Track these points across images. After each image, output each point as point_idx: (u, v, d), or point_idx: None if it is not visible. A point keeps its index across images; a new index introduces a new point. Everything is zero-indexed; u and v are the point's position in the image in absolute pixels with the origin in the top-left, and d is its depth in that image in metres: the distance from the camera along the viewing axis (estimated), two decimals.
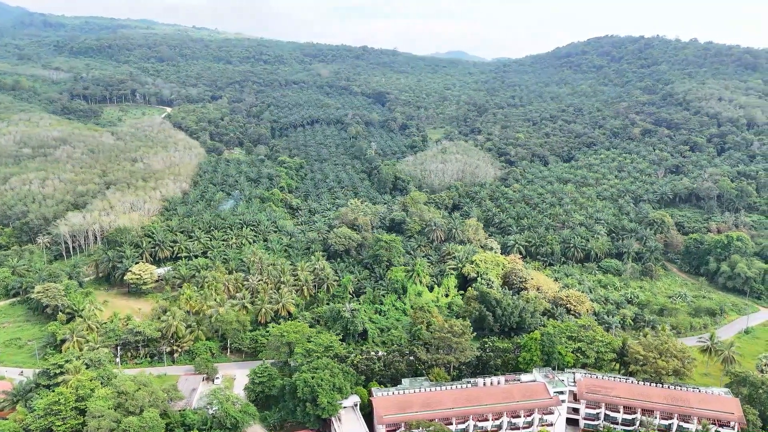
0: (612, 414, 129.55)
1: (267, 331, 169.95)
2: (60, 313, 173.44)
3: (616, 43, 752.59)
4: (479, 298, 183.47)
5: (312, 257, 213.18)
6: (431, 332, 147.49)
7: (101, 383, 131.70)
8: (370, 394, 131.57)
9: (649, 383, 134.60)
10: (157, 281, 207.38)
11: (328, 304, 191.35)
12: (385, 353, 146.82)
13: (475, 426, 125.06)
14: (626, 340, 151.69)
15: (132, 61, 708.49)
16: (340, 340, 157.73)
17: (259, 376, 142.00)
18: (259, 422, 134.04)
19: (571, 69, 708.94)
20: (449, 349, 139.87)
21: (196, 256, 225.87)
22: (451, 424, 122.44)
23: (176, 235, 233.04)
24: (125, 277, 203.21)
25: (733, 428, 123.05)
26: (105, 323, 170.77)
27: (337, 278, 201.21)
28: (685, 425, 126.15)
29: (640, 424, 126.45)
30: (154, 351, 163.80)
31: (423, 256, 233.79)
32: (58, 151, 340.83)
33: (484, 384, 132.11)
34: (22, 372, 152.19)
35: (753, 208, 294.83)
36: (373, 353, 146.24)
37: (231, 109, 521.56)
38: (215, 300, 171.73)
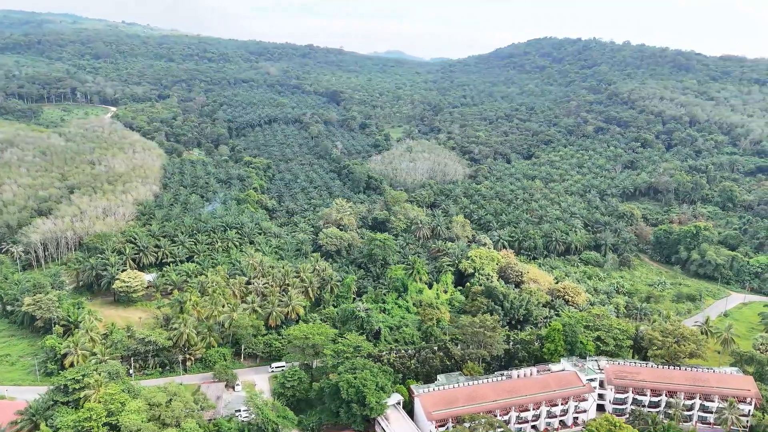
0: (639, 397, 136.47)
1: (279, 335, 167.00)
2: (56, 325, 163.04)
3: (555, 45, 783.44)
4: (485, 293, 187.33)
5: (311, 258, 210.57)
6: (462, 328, 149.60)
7: (129, 396, 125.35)
8: (409, 391, 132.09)
9: (666, 367, 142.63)
10: (146, 288, 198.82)
11: (333, 305, 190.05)
12: (415, 350, 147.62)
13: (517, 417, 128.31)
14: (638, 326, 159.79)
15: (65, 58, 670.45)
16: None
17: (289, 380, 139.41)
18: (295, 426, 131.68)
19: (515, 69, 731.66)
20: (481, 344, 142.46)
21: (182, 261, 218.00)
22: (495, 415, 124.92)
23: (159, 240, 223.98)
24: (113, 285, 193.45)
25: (750, 404, 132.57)
26: (106, 334, 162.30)
27: (339, 279, 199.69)
28: (706, 404, 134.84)
29: (668, 406, 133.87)
30: (165, 360, 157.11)
31: (413, 254, 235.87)
32: (7, 154, 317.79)
33: (518, 376, 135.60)
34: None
35: (706, 199, 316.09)
36: (402, 351, 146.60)
37: (183, 108, 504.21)
38: (229, 305, 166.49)
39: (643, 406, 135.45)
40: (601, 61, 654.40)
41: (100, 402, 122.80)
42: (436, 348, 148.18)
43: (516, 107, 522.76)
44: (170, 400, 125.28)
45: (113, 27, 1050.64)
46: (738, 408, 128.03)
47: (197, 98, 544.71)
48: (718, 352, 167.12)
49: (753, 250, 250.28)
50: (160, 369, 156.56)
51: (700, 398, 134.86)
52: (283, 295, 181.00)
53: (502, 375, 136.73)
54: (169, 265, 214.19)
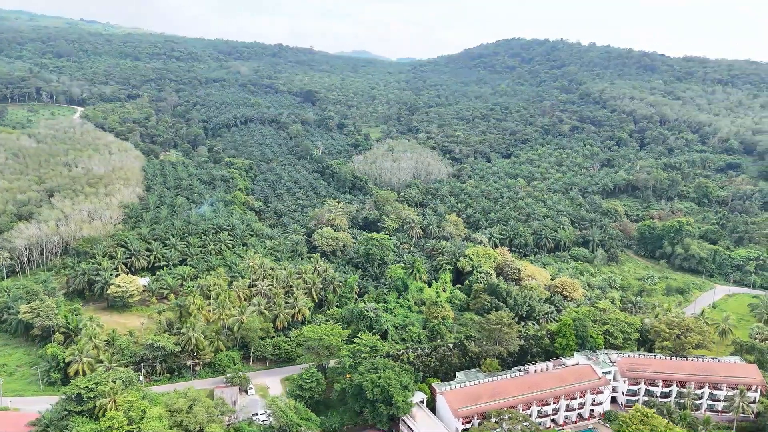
0: (651, 389, 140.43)
1: (287, 337, 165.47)
2: (56, 333, 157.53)
3: (524, 45, 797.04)
4: (488, 290, 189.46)
5: (313, 259, 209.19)
6: (479, 325, 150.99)
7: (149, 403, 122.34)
8: (431, 389, 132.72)
9: (674, 358, 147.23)
10: (140, 293, 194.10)
11: (337, 305, 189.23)
12: (431, 348, 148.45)
13: (538, 411, 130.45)
14: (643, 319, 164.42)
15: (26, 57, 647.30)
16: None
17: (307, 382, 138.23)
18: (318, 428, 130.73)
19: (486, 69, 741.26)
20: (496, 341, 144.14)
21: (175, 265, 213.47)
22: (518, 410, 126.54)
23: (150, 243, 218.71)
24: (108, 291, 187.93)
25: (756, 391, 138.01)
26: (107, 341, 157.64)
27: (341, 279, 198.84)
28: (715, 392, 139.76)
29: (678, 396, 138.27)
30: (173, 366, 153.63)
31: (408, 253, 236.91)
32: None
33: (535, 371, 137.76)
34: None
35: (683, 195, 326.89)
36: (419, 350, 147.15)
37: (155, 108, 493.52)
38: (237, 308, 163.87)
39: (655, 396, 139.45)
40: (569, 61, 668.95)
41: (119, 410, 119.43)
42: (451, 345, 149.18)
43: (491, 107, 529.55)
44: (191, 405, 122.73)
45: (73, 25, 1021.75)
46: (747, 396, 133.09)
47: (169, 98, 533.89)
48: (713, 342, 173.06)
49: (733, 244, 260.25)
50: (168, 375, 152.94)
51: (709, 387, 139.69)
52: (287, 296, 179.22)
53: (519, 370, 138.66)
54: (163, 269, 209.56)
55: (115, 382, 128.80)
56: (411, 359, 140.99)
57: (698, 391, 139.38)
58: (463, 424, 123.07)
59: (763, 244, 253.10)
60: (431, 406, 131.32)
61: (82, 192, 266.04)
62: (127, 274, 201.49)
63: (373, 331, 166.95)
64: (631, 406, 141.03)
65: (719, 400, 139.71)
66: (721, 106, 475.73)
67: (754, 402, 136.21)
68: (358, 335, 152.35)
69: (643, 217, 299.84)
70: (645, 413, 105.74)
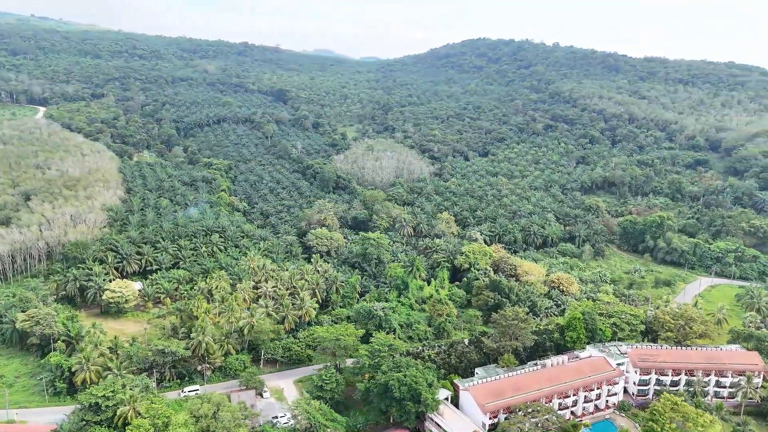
0: (661, 378, 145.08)
1: (296, 338, 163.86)
2: (58, 341, 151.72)
3: (490, 45, 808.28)
4: (490, 286, 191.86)
5: (312, 259, 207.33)
6: (494, 321, 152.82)
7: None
8: (453, 386, 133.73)
9: (680, 347, 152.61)
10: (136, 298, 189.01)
11: (340, 306, 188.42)
12: (448, 345, 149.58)
13: (559, 404, 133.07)
14: (645, 311, 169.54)
15: None
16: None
17: (327, 382, 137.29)
18: (343, 428, 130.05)
19: (454, 69, 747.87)
20: (512, 336, 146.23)
21: (168, 268, 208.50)
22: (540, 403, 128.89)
23: (141, 247, 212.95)
24: (103, 297, 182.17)
25: (758, 377, 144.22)
26: (110, 347, 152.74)
27: (343, 279, 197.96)
28: (721, 379, 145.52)
29: (687, 384, 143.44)
30: (183, 371, 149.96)
31: (402, 252, 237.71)
32: None
33: (551, 365, 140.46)
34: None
35: (657, 191, 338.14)
36: (437, 347, 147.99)
37: (124, 108, 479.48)
38: (247, 310, 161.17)
39: (665, 386, 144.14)
40: (536, 61, 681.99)
41: (142, 418, 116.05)
42: (467, 342, 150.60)
43: (464, 106, 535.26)
44: (216, 410, 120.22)
45: (24, 21, 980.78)
46: (754, 382, 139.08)
47: (136, 97, 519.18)
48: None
49: (711, 237, 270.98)
50: (178, 381, 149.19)
51: (715, 375, 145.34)
52: (293, 298, 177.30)
53: (536, 364, 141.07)
54: (155, 273, 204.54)
55: (133, 389, 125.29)
56: (431, 357, 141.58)
57: (705, 379, 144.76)
58: (490, 419, 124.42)
59: (739, 236, 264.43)
60: (454, 402, 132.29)
61: (60, 195, 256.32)
62: (120, 279, 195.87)
63: (382, 329, 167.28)
64: (643, 396, 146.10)
65: (725, 387, 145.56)
66: (684, 104, 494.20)
67: (758, 387, 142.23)
68: (373, 335, 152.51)
69: (622, 212, 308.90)
70: (675, 401, 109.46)
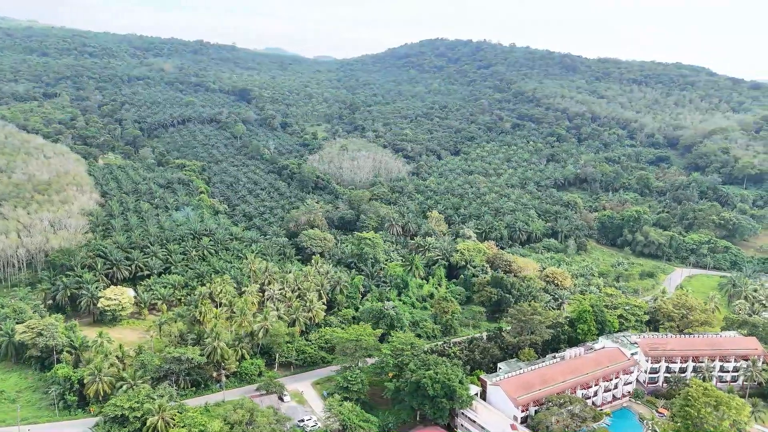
0: (670, 365, 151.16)
1: (308, 340, 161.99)
2: (63, 352, 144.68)
3: (449, 46, 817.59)
4: (492, 282, 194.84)
5: (312, 260, 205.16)
6: (511, 316, 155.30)
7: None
8: (480, 381, 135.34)
9: (684, 335, 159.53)
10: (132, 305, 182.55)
11: (346, 306, 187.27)
12: (468, 342, 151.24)
13: (582, 394, 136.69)
14: (650, 299, 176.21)
15: None
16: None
17: (354, 383, 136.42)
18: (377, 428, 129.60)
19: (414, 69, 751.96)
20: (530, 330, 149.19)
21: (159, 274, 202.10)
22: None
23: (129, 252, 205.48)
24: (99, 304, 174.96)
25: (759, 360, 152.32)
26: (117, 356, 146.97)
27: (347, 280, 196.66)
28: (725, 365, 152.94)
29: (694, 370, 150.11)
30: (198, 378, 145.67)
31: (393, 251, 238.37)
32: None
33: (569, 357, 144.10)
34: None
35: (626, 187, 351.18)
36: (461, 344, 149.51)
37: (80, 108, 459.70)
38: (261, 314, 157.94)
39: (674, 372, 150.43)
40: (495, 61, 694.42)
41: (177, 427, 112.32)
42: (485, 337, 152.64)
43: (430, 105, 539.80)
44: (251, 416, 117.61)
45: None
46: (758, 366, 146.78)
47: (92, 97, 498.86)
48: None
49: (684, 230, 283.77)
50: (194, 388, 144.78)
51: (719, 360, 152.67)
52: (300, 300, 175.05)
53: (554, 357, 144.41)
54: (148, 279, 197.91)
55: (157, 398, 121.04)
56: (456, 353, 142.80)
57: (711, 365, 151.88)
58: (522, 411, 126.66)
59: (711, 228, 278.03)
60: (481, 397, 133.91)
61: (33, 200, 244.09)
62: (112, 285, 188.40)
63: (394, 329, 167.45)
64: (654, 384, 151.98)
65: (728, 372, 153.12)
66: (640, 104, 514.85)
67: (761, 371, 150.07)
68: (390, 334, 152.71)
69: (596, 208, 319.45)
70: (705, 387, 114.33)
